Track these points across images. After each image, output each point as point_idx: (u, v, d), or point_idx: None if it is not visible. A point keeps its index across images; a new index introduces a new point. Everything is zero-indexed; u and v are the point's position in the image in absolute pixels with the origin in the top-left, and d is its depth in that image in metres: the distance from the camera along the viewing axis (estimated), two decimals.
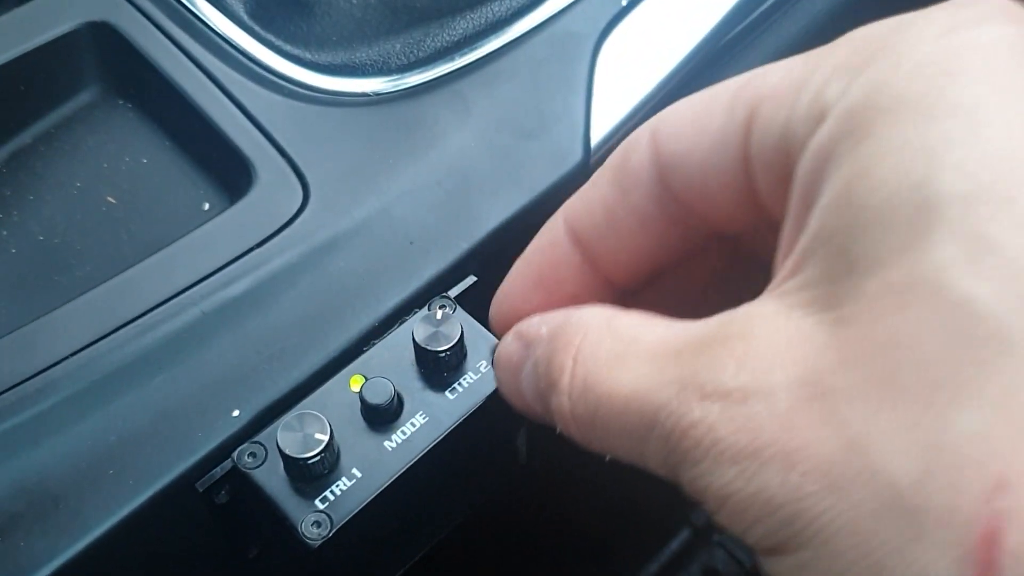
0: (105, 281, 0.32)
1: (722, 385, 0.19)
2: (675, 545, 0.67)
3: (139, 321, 0.31)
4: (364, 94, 0.37)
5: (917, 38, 0.20)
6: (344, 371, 0.30)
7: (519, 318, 0.28)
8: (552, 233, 0.27)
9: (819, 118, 0.20)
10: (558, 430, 0.25)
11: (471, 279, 0.33)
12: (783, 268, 0.21)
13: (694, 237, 0.26)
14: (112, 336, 0.30)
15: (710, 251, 0.27)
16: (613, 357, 0.22)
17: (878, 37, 0.20)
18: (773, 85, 0.22)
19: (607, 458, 0.23)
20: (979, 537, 0.16)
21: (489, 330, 0.31)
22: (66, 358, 0.30)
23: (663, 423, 0.20)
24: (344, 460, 0.28)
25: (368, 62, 0.38)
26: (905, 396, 0.17)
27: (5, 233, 0.35)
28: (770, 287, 0.21)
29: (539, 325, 0.25)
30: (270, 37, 0.38)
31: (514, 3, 0.39)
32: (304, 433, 0.27)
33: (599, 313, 0.24)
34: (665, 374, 0.21)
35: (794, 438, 0.18)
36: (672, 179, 0.25)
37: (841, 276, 0.19)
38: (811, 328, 0.19)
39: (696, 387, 0.20)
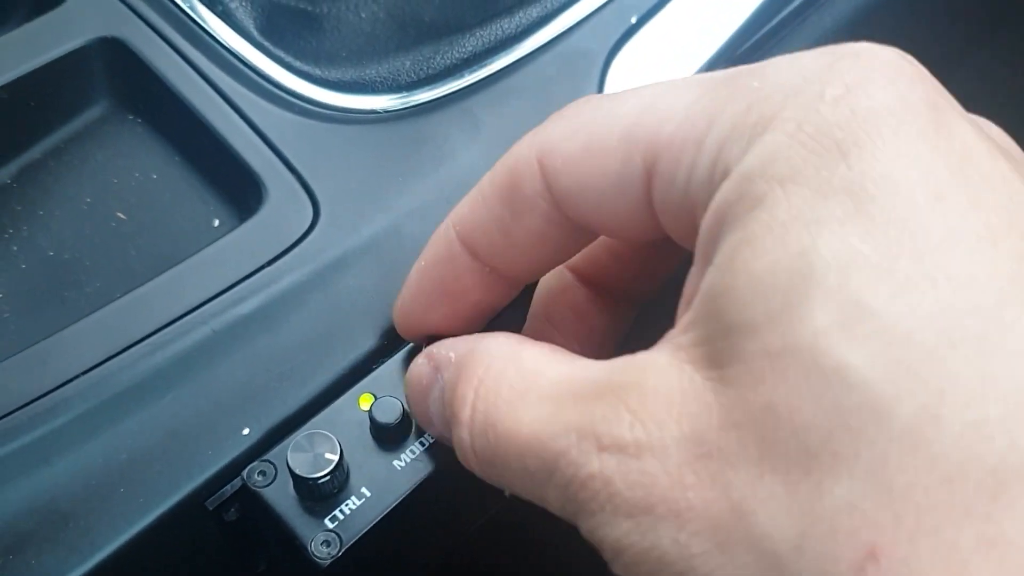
0: (116, 299, 0.32)
1: (619, 438, 0.20)
2: None
3: (150, 340, 0.31)
4: (373, 111, 0.37)
5: (813, 101, 0.20)
6: (353, 389, 0.30)
7: (427, 328, 0.29)
8: (448, 246, 0.27)
9: (719, 179, 0.20)
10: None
11: None
12: (679, 320, 0.21)
13: (592, 239, 0.27)
14: (123, 355, 0.30)
15: (618, 245, 0.28)
16: (514, 394, 0.22)
17: (776, 94, 0.20)
18: (669, 136, 0.22)
19: (506, 493, 0.23)
20: None
21: None
22: (77, 376, 0.30)
23: (563, 471, 0.20)
24: (354, 479, 0.28)
25: (378, 79, 0.38)
26: (784, 462, 0.18)
27: (15, 248, 0.35)
28: (668, 335, 0.21)
29: (449, 349, 0.25)
30: (280, 53, 0.38)
31: (523, 20, 0.39)
32: (314, 453, 0.27)
33: (505, 344, 0.24)
34: (563, 417, 0.21)
35: (684, 497, 0.19)
36: (570, 209, 0.25)
37: (723, 337, 0.19)
38: (699, 385, 0.19)
39: (594, 437, 0.20)
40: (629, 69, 0.38)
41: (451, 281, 0.28)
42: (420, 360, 0.27)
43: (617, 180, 0.23)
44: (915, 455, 0.17)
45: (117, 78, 0.38)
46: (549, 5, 0.39)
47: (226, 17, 0.39)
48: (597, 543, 0.20)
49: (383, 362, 0.31)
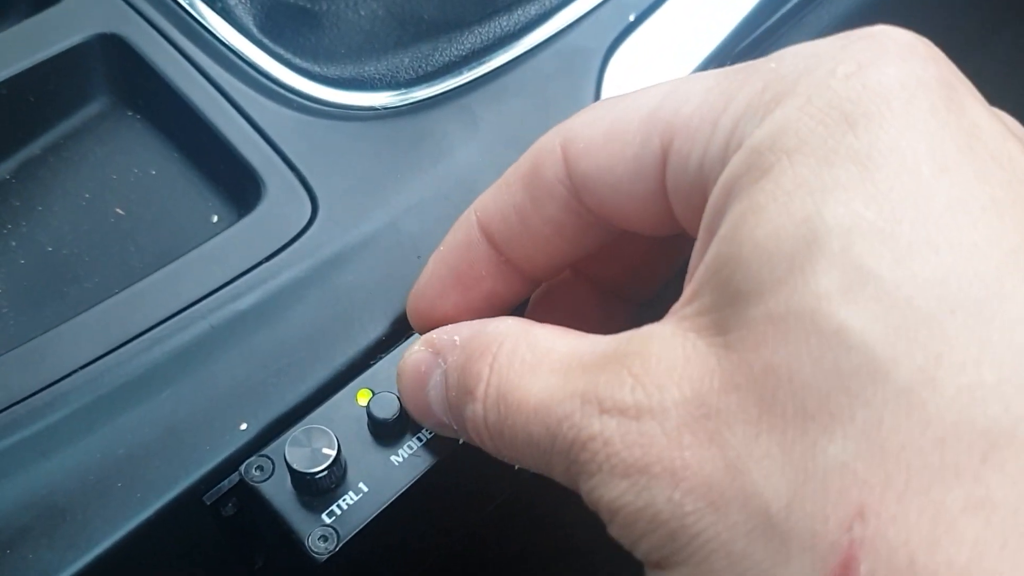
0: (114, 294, 0.32)
1: (620, 401, 0.20)
2: None
3: (148, 335, 0.31)
4: (372, 108, 0.37)
5: (826, 77, 0.20)
6: (351, 385, 0.30)
7: (437, 316, 0.29)
8: (467, 232, 0.28)
9: (727, 155, 0.21)
10: (460, 442, 0.26)
11: None
12: (684, 293, 0.21)
13: (609, 235, 0.27)
14: (121, 349, 0.30)
15: (629, 240, 0.28)
16: (527, 367, 0.23)
17: (791, 73, 0.21)
18: (687, 117, 0.23)
19: (516, 468, 0.24)
20: (837, 563, 0.17)
21: None
22: (75, 371, 0.30)
23: (564, 434, 0.21)
24: (351, 474, 0.28)
25: (377, 76, 0.38)
26: (781, 422, 0.18)
27: (14, 244, 0.35)
28: (671, 310, 0.22)
29: (451, 334, 0.26)
30: (279, 50, 0.38)
31: (522, 18, 0.39)
32: (312, 448, 0.28)
33: (515, 324, 0.24)
34: (570, 386, 0.21)
35: (681, 456, 0.19)
36: (587, 196, 0.25)
37: (728, 304, 0.20)
38: (703, 351, 0.20)
39: (596, 401, 0.21)
40: (627, 67, 0.39)
41: (467, 268, 0.28)
42: (416, 348, 0.27)
43: (634, 164, 0.24)
44: (909, 416, 0.17)
45: (116, 74, 0.38)
46: (547, 3, 0.40)
47: (225, 14, 0.39)
48: (595, 504, 0.21)
49: (381, 358, 0.31)
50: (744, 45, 0.40)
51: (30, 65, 0.37)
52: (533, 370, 0.23)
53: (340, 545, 0.27)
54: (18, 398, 0.29)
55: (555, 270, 0.28)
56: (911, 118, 0.19)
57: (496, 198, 0.27)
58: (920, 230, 0.18)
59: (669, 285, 0.30)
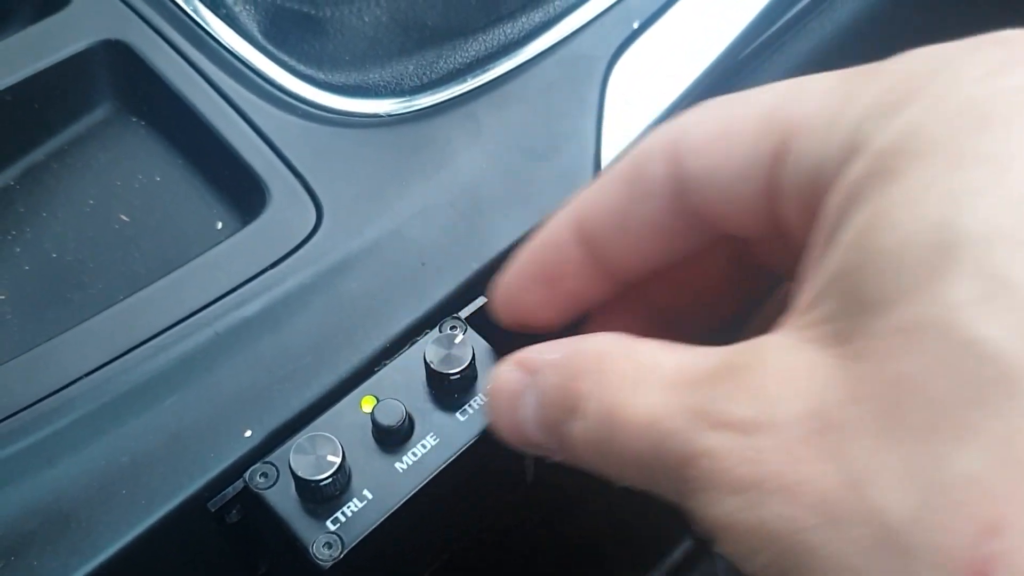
0: (118, 301, 0.32)
1: (732, 416, 0.19)
2: (676, 555, 0.67)
3: (153, 342, 0.31)
4: (376, 115, 0.37)
5: (957, 79, 0.19)
6: (355, 392, 0.30)
7: (521, 310, 0.28)
8: (559, 230, 0.27)
9: (849, 156, 0.20)
10: (554, 459, 0.25)
11: (482, 300, 0.33)
12: (799, 302, 0.21)
13: (706, 241, 0.26)
14: (126, 356, 0.30)
15: (719, 251, 0.28)
16: (632, 383, 0.22)
17: (919, 74, 0.20)
18: (807, 115, 0.22)
19: (622, 485, 0.23)
20: None
21: (496, 349, 0.31)
22: (80, 378, 0.30)
23: (673, 451, 0.20)
24: (355, 481, 0.28)
25: (381, 83, 0.38)
26: (908, 434, 0.17)
27: (18, 250, 0.35)
28: (786, 320, 0.21)
29: (544, 353, 0.25)
30: (283, 57, 0.38)
31: (526, 25, 0.39)
32: (316, 455, 0.28)
33: (615, 339, 0.24)
34: (679, 402, 0.21)
35: (797, 471, 0.18)
36: (692, 195, 0.25)
37: (855, 313, 0.19)
38: (822, 362, 0.19)
39: (706, 416, 0.20)
40: (631, 74, 0.39)
41: (555, 264, 0.27)
42: (506, 368, 0.26)
43: (745, 163, 0.23)
44: None
45: (121, 81, 0.38)
46: (552, 10, 0.40)
47: (230, 21, 0.39)
48: (704, 521, 0.20)
49: (386, 364, 0.31)
50: (748, 52, 0.40)
51: (35, 71, 0.37)
52: (639, 386, 0.22)
53: (344, 552, 0.27)
54: (23, 405, 0.29)
55: (645, 273, 0.28)
56: None
57: (595, 194, 0.27)
58: None
59: (728, 324, 0.30)
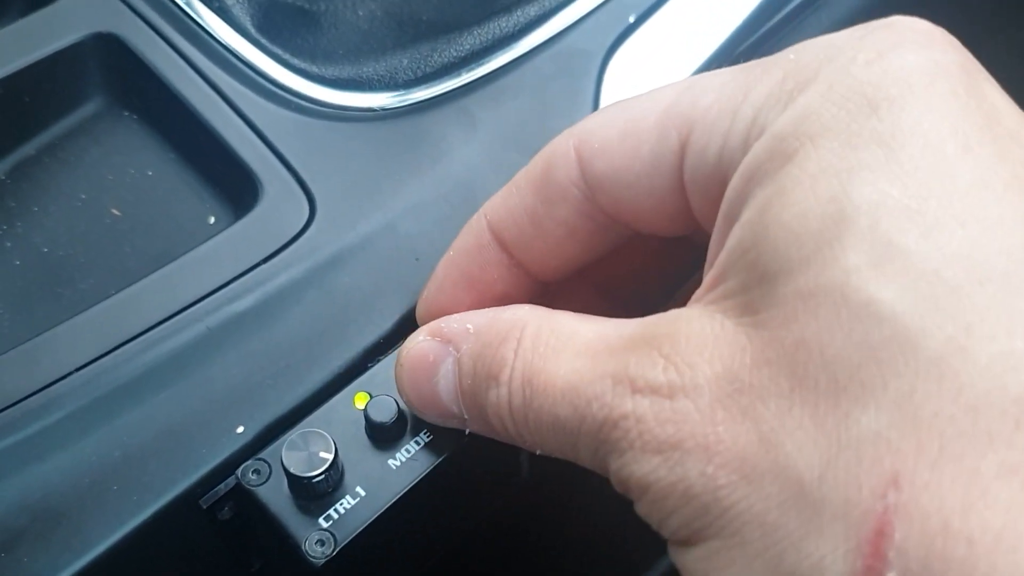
0: (110, 296, 0.32)
1: (652, 380, 0.20)
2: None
3: (144, 337, 0.31)
4: (370, 109, 0.37)
5: (847, 65, 0.21)
6: (348, 388, 0.30)
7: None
8: (478, 236, 0.28)
9: (747, 144, 0.21)
10: (467, 432, 0.26)
11: None
12: (708, 278, 0.22)
13: (620, 238, 0.27)
14: (117, 352, 0.30)
15: (635, 245, 0.28)
16: (552, 350, 0.23)
17: (813, 62, 0.21)
18: (705, 109, 0.23)
19: (537, 452, 0.24)
20: (871, 531, 0.17)
21: None
22: (70, 373, 0.30)
23: (595, 415, 0.21)
24: (348, 478, 0.28)
25: (375, 77, 0.38)
26: (813, 395, 0.18)
27: (8, 244, 0.35)
28: (694, 297, 0.22)
29: (462, 322, 0.26)
30: (277, 50, 0.38)
31: (521, 19, 0.39)
32: (308, 451, 0.27)
33: (534, 309, 0.25)
34: (599, 368, 0.22)
35: (714, 431, 0.19)
36: (601, 196, 0.25)
37: (756, 285, 0.20)
38: (732, 330, 0.20)
39: (628, 381, 0.21)
40: (627, 68, 0.38)
41: (478, 272, 0.28)
42: (420, 338, 0.27)
43: (651, 160, 0.24)
44: (941, 385, 0.17)
45: (113, 74, 0.38)
46: (547, 4, 0.39)
47: (223, 13, 0.38)
48: (624, 482, 0.21)
49: (379, 360, 0.31)
50: (744, 47, 0.40)
51: (25, 65, 0.36)
52: (559, 353, 0.23)
53: (337, 549, 0.27)
54: (13, 400, 0.29)
55: (567, 273, 0.28)
56: (933, 101, 0.20)
57: (507, 201, 0.27)
58: (946, 206, 0.18)
59: (673, 292, 0.30)
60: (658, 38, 0.39)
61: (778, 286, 0.19)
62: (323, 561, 0.27)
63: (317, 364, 0.31)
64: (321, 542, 0.27)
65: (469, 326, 0.25)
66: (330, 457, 0.27)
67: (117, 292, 0.32)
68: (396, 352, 0.31)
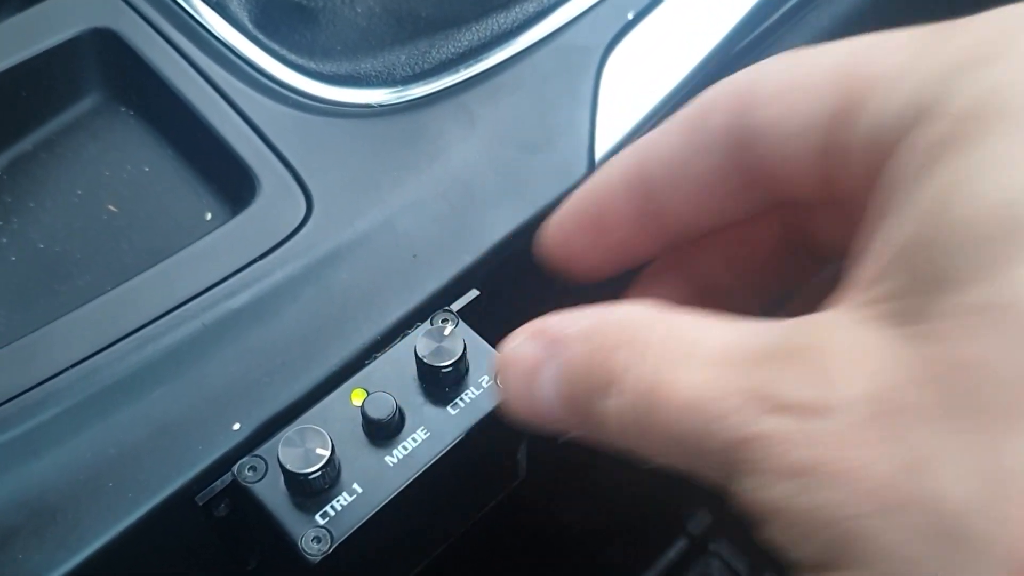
0: (106, 292, 0.31)
1: (789, 399, 0.19)
2: (672, 555, 0.67)
3: (140, 333, 0.30)
4: (368, 105, 0.37)
5: None
6: (345, 385, 0.30)
7: (567, 253, 0.28)
8: (618, 172, 0.26)
9: (924, 115, 0.19)
10: (561, 439, 0.24)
11: (474, 293, 0.32)
12: (860, 276, 0.20)
13: (760, 206, 0.25)
14: (113, 348, 0.30)
15: (771, 224, 0.27)
16: (676, 359, 0.21)
17: (1005, 31, 0.19)
18: (879, 72, 0.21)
19: (646, 465, 0.22)
20: (1020, 570, 0.16)
21: (489, 341, 0.30)
22: (66, 370, 0.29)
23: (723, 433, 0.19)
24: (345, 475, 0.28)
25: (372, 73, 0.38)
26: (973, 420, 0.17)
27: (5, 240, 0.35)
28: (846, 292, 0.20)
29: (566, 324, 0.23)
30: (274, 46, 0.38)
31: (520, 15, 0.39)
32: (305, 448, 0.27)
33: (648, 310, 0.22)
34: (730, 382, 0.20)
35: (855, 456, 0.18)
36: (752, 149, 0.24)
37: (925, 290, 0.18)
38: (888, 342, 0.18)
39: (761, 399, 0.19)
40: (626, 65, 0.38)
41: (608, 210, 0.27)
42: (520, 339, 0.24)
43: (810, 118, 0.22)
44: None
45: (109, 70, 0.38)
46: (545, 0, 0.39)
47: (220, 9, 0.38)
48: (749, 505, 0.19)
49: (376, 357, 0.31)
50: (743, 44, 0.40)
51: (21, 60, 0.36)
52: (681, 363, 0.21)
53: (334, 546, 0.27)
54: (8, 396, 0.29)
55: (696, 232, 0.27)
56: None
57: (654, 140, 0.26)
58: None
59: (767, 304, 0.29)
60: (657, 34, 0.39)
61: (948, 295, 0.17)
62: (319, 558, 0.27)
63: (314, 361, 0.31)
64: (317, 539, 0.27)
65: (578, 327, 0.23)
66: (327, 454, 0.27)
67: (113, 288, 0.32)
68: (393, 349, 0.31)
